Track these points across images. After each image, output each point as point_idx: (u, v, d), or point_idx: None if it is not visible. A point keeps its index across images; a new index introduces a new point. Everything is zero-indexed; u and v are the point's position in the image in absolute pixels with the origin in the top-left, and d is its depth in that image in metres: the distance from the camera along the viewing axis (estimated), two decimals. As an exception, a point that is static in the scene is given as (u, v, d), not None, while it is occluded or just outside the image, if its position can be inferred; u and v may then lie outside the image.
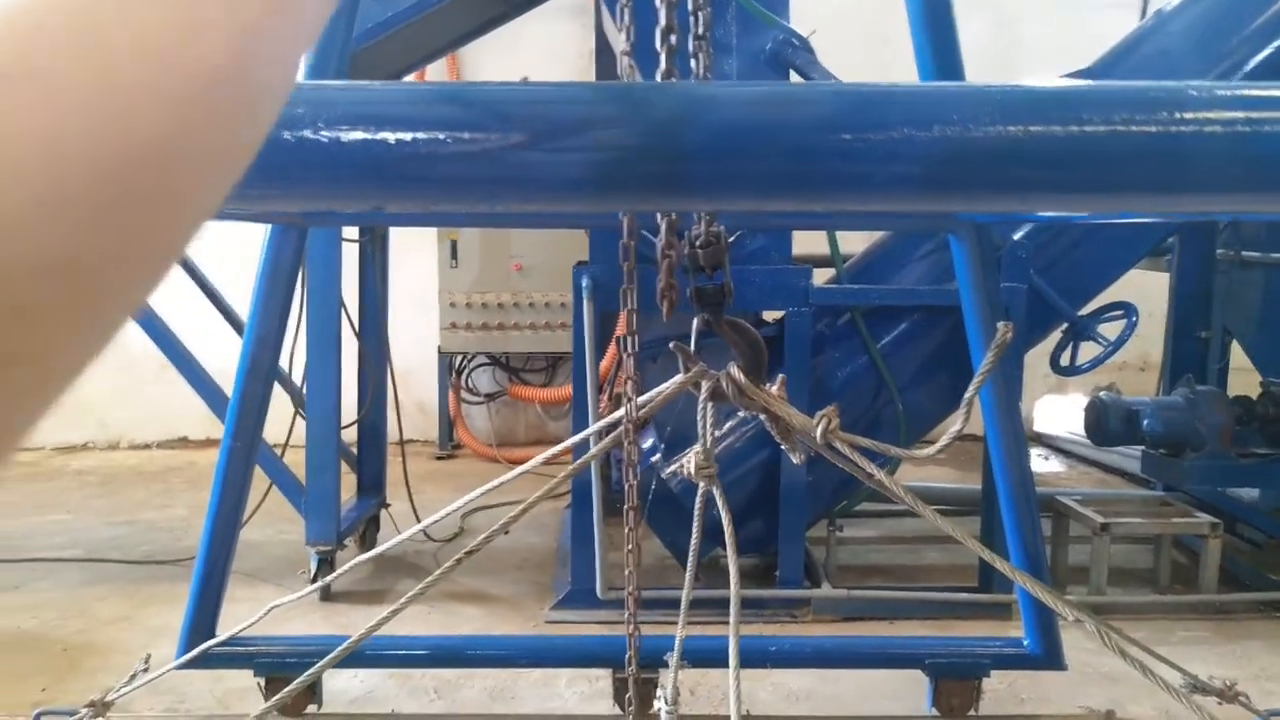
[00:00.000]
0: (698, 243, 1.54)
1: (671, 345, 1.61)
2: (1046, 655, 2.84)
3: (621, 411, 1.71)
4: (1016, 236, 3.94)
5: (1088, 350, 4.08)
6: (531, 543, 4.95)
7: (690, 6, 1.47)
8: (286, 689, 2.34)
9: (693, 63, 1.51)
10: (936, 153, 1.05)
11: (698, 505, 1.65)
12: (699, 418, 1.61)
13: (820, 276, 4.20)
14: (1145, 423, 4.12)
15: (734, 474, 4.01)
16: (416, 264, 6.39)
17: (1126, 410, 4.19)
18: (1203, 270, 4.75)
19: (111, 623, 3.86)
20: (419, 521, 4.03)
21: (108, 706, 2.62)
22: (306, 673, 2.16)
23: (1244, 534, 4.61)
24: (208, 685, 3.17)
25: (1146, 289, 5.20)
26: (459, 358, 7.02)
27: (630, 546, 1.69)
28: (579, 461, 1.79)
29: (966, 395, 1.42)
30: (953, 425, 1.44)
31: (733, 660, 1.50)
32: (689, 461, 1.62)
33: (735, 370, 1.59)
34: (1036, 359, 4.36)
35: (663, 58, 1.31)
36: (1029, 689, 3.12)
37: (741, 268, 3.90)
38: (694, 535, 1.67)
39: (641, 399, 1.66)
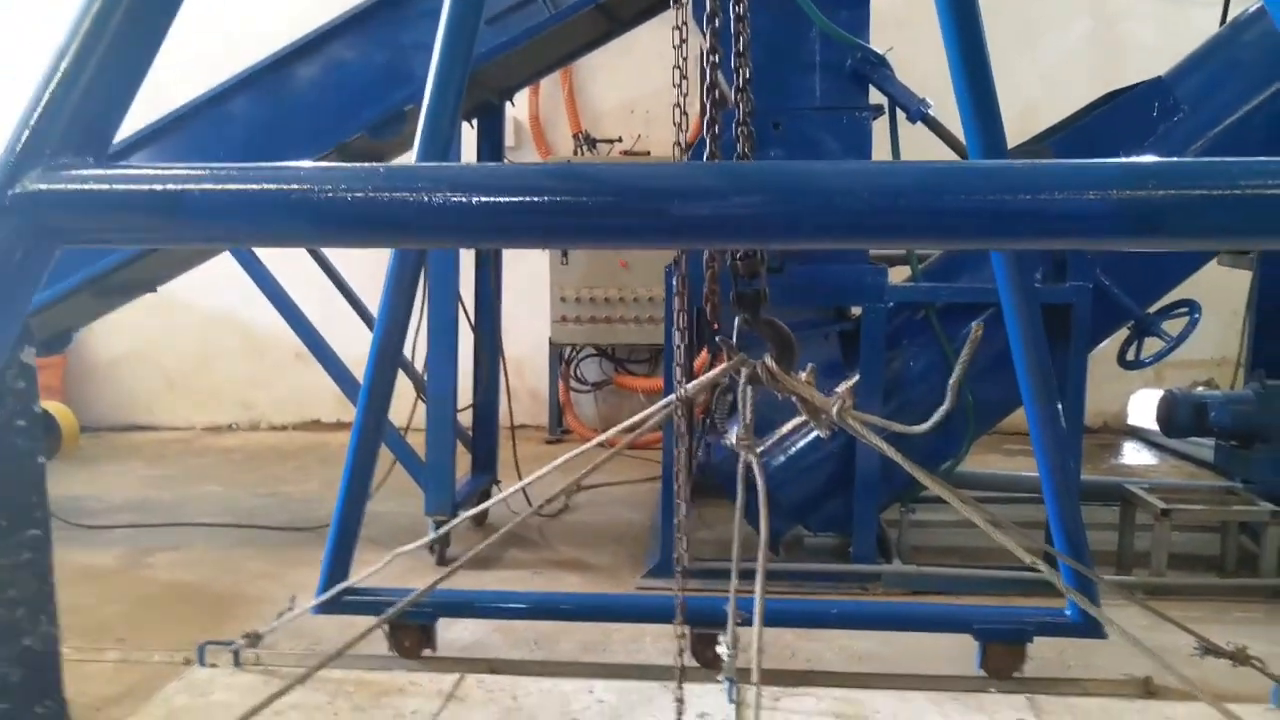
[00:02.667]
0: (739, 256, 1.89)
1: (717, 339, 1.96)
2: (1086, 624, 3.08)
3: (688, 390, 2.07)
4: (1085, 237, 4.11)
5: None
6: (631, 518, 5.36)
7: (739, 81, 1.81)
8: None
9: (738, 145, 1.86)
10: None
11: (740, 474, 1.98)
12: (739, 398, 1.96)
13: (898, 275, 4.48)
14: (1213, 415, 4.24)
15: (813, 458, 4.33)
16: (531, 262, 6.86)
17: (1195, 403, 4.32)
18: (1285, 267, 4.81)
19: (258, 578, 4.41)
20: (528, 498, 4.51)
21: (260, 639, 3.14)
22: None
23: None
24: (338, 631, 3.64)
25: (1236, 286, 5.28)
26: (568, 349, 7.48)
27: (679, 517, 2.04)
28: (629, 436, 2.15)
29: (950, 382, 1.73)
30: (942, 406, 1.75)
31: (758, 614, 1.84)
32: (731, 435, 1.97)
33: (769, 360, 1.94)
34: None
35: (709, 142, 1.65)
36: (1077, 659, 3.33)
37: (821, 266, 4.22)
38: (738, 501, 2.01)
39: (691, 384, 2.02)
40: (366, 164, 1.38)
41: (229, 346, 7.61)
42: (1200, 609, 3.80)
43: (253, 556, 4.70)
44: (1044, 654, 3.25)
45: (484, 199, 1.33)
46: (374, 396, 3.21)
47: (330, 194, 1.34)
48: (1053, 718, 2.66)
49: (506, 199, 1.34)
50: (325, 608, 3.25)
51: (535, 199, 1.33)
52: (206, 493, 5.90)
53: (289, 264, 4.63)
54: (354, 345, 4.47)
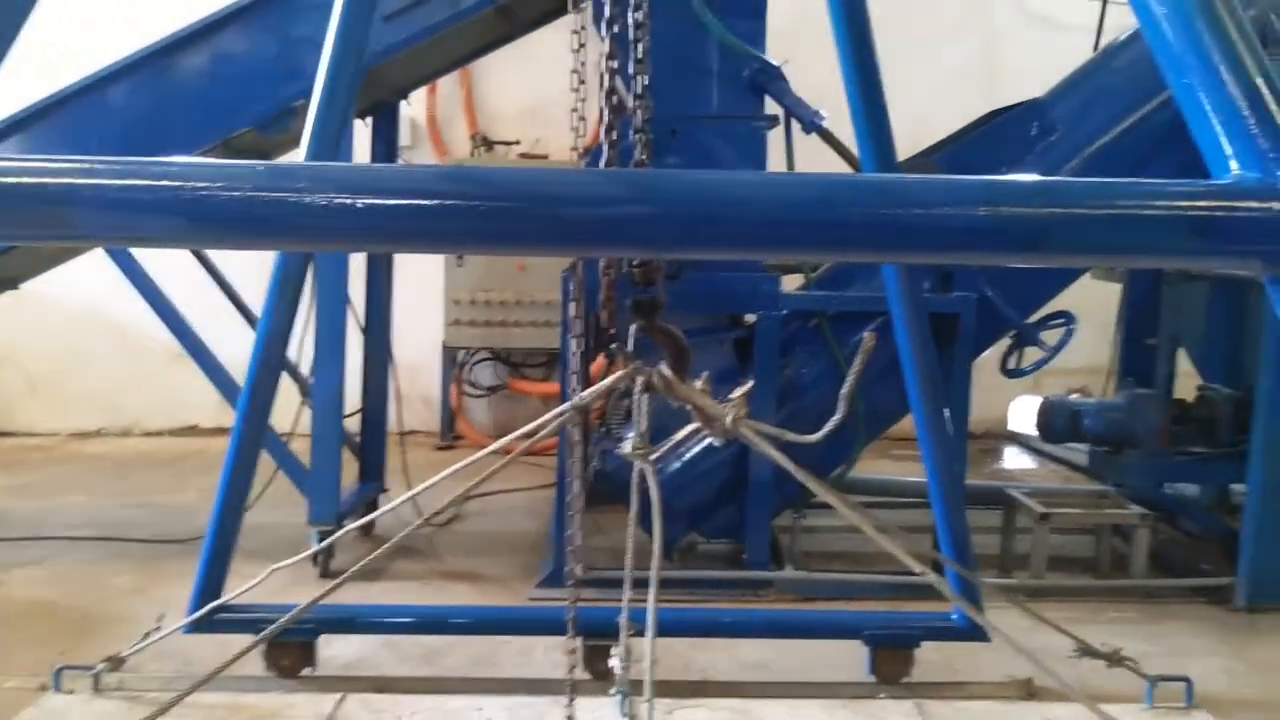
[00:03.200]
0: (635, 263, 1.85)
1: (613, 347, 1.92)
2: (971, 629, 3.15)
3: (586, 398, 2.03)
4: (969, 249, 4.24)
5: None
6: (525, 527, 5.28)
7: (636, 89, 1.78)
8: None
9: (636, 150, 1.83)
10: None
11: (634, 482, 1.95)
12: (634, 407, 1.93)
13: (791, 283, 4.53)
14: (1086, 422, 4.43)
15: (706, 465, 4.33)
16: (425, 263, 6.71)
17: (1071, 410, 4.50)
18: (1152, 282, 5.04)
19: (126, 595, 4.17)
20: (418, 508, 4.37)
21: (122, 662, 2.95)
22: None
23: (1185, 527, 4.93)
24: (213, 650, 3.46)
25: (1108, 299, 5.52)
26: (462, 352, 7.35)
27: (572, 529, 2.00)
28: (523, 444, 2.09)
29: (843, 391, 1.73)
30: (834, 417, 1.75)
31: (650, 625, 1.81)
32: (626, 444, 1.93)
33: (664, 368, 1.91)
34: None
35: (606, 148, 1.62)
36: (963, 661, 3.41)
37: (717, 273, 4.24)
38: (632, 510, 1.97)
39: (586, 391, 1.98)
40: (246, 161, 1.30)
41: (98, 346, 7.21)
42: (1077, 610, 3.95)
43: (120, 571, 4.45)
44: (931, 658, 3.31)
45: (370, 201, 1.27)
46: (255, 401, 3.06)
47: (204, 192, 1.25)
48: (939, 722, 2.71)
49: (394, 201, 1.27)
50: (197, 626, 3.08)
51: (424, 202, 1.26)
52: (70, 503, 5.56)
53: (164, 258, 4.40)
54: (234, 346, 4.28)
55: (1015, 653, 3.35)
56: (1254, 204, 1.22)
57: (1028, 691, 3.17)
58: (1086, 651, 2.68)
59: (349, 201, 1.25)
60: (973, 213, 1.20)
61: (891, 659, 3.22)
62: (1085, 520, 4.45)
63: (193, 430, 7.37)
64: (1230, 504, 4.95)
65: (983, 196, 1.22)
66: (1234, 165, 1.27)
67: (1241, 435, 4.29)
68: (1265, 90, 1.29)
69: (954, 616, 3.21)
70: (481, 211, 1.26)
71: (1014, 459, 7.05)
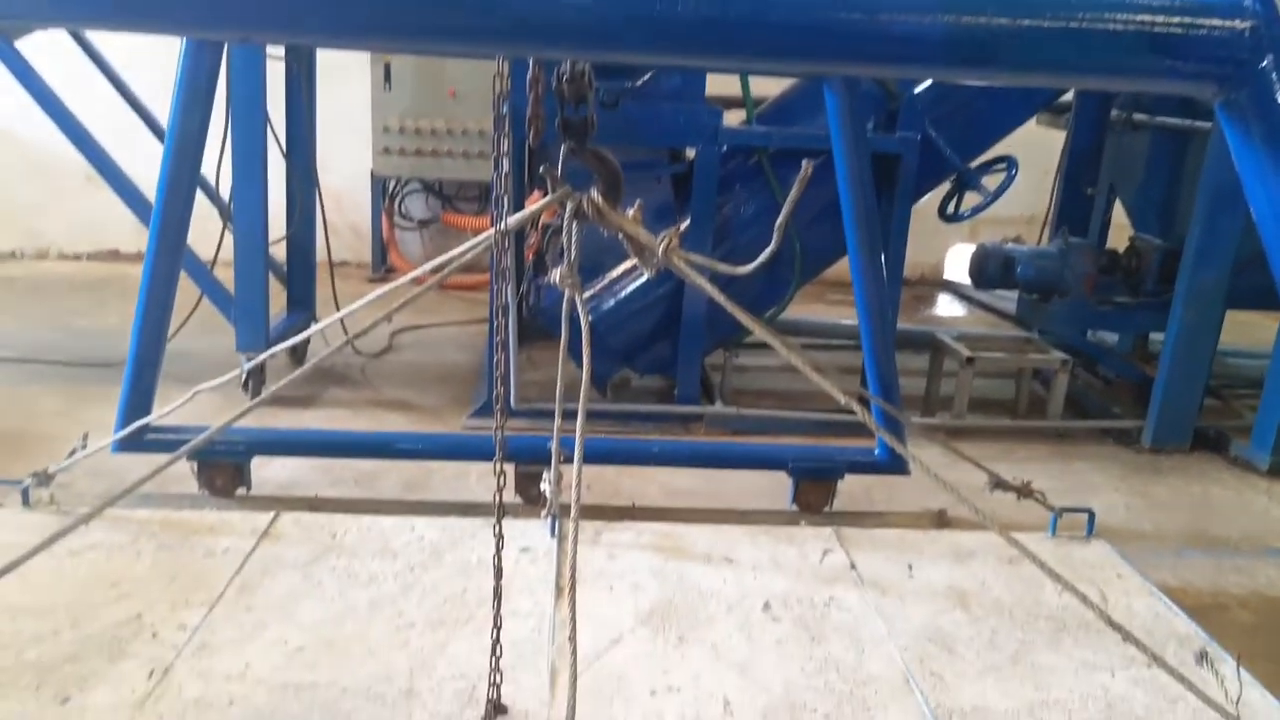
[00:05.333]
0: (565, 79, 1.76)
1: (541, 169, 1.85)
2: (892, 462, 3.26)
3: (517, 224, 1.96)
4: (917, 90, 4.16)
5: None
6: (456, 360, 5.26)
7: None
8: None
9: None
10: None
11: (564, 312, 1.91)
12: (564, 234, 1.87)
13: (733, 119, 4.41)
14: (1019, 269, 4.48)
15: (641, 302, 4.32)
16: (350, 86, 6.38)
17: (1004, 257, 4.55)
18: (1096, 130, 5.03)
19: (52, 416, 4.10)
20: (345, 330, 4.32)
21: (51, 478, 2.91)
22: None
23: (1103, 374, 5.11)
24: (145, 472, 3.45)
25: (1050, 146, 5.51)
26: (393, 183, 7.12)
27: (500, 355, 1.97)
28: (451, 267, 2.03)
29: (778, 221, 1.70)
30: (767, 249, 1.72)
31: (578, 447, 1.80)
32: (556, 273, 1.88)
33: (595, 194, 1.84)
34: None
35: None
36: (882, 495, 3.54)
37: (656, 104, 4.10)
38: (563, 339, 1.94)
39: (513, 217, 1.92)
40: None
41: (7, 166, 6.83)
42: (994, 449, 4.10)
43: (44, 394, 4.36)
44: (852, 491, 3.44)
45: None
46: (168, 220, 2.94)
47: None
48: (856, 547, 2.82)
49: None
50: (124, 445, 3.05)
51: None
52: (-12, 325, 5.40)
53: (70, 72, 4.11)
54: (151, 167, 4.07)
55: (931, 489, 3.49)
56: (1217, 21, 1.17)
57: (941, 521, 3.33)
58: (999, 484, 2.79)
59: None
60: (927, 20, 1.14)
61: (814, 490, 3.33)
62: (1008, 365, 4.58)
63: (113, 255, 7.11)
64: (1148, 353, 5.13)
65: (939, 3, 1.15)
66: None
67: (1166, 286, 4.39)
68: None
69: (877, 452, 3.31)
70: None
71: (946, 306, 7.17)
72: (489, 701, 2.00)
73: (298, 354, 4.74)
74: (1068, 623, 2.51)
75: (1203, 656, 2.36)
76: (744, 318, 1.91)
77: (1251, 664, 2.31)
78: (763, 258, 1.75)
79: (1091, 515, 2.96)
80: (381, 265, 7.21)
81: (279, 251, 4.84)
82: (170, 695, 2.02)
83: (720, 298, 1.88)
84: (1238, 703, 2.11)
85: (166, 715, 1.96)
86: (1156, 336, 4.76)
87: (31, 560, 2.13)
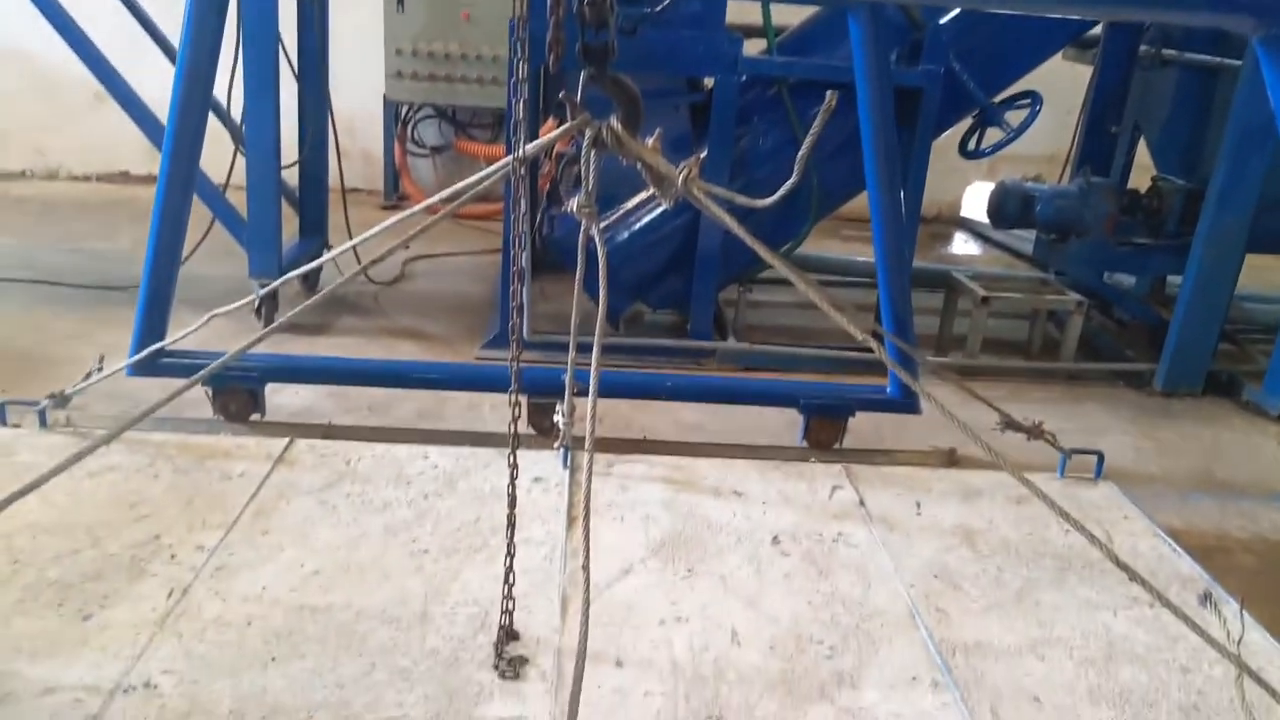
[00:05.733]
0: (585, 2, 1.71)
1: (561, 95, 1.81)
2: (904, 400, 3.26)
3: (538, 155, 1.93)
4: (942, 21, 4.06)
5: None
6: (469, 290, 5.26)
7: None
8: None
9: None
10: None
11: (580, 243, 1.90)
12: (582, 162, 1.85)
13: (753, 48, 4.33)
14: (1038, 208, 4.43)
15: (655, 235, 4.30)
16: (362, 7, 6.28)
17: (1024, 195, 4.49)
18: (1124, 66, 4.92)
19: (67, 339, 4.12)
20: (358, 258, 4.31)
21: (67, 400, 2.93)
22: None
23: (1118, 316, 5.08)
24: (161, 396, 3.47)
25: (1075, 83, 5.40)
26: (405, 108, 7.04)
27: (516, 285, 1.95)
28: (466, 196, 2.01)
29: (800, 154, 1.67)
30: (789, 181, 1.70)
31: (593, 379, 1.80)
32: (572, 202, 1.86)
33: (615, 122, 1.81)
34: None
35: None
36: (891, 435, 3.55)
37: (675, 31, 4.02)
38: (579, 271, 1.93)
39: (531, 144, 1.89)
40: None
41: (16, 85, 6.77)
42: (1005, 389, 4.10)
43: (58, 316, 4.37)
44: (862, 429, 3.44)
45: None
46: (181, 140, 2.91)
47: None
48: (865, 484, 2.84)
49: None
50: (140, 369, 3.06)
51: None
52: (1, 244, 5.39)
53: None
54: (161, 87, 4.02)
55: (940, 430, 3.51)
56: (1258, -46, 1.13)
57: (950, 461, 3.33)
58: (1009, 424, 2.78)
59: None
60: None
61: (824, 427, 3.33)
62: (1023, 305, 4.55)
63: (124, 177, 7.08)
64: (1165, 296, 5.09)
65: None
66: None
67: (1187, 228, 4.34)
68: None
69: (889, 390, 3.31)
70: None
71: (962, 245, 7.12)
72: (501, 627, 2.03)
73: (310, 281, 4.74)
74: (1072, 562, 2.53)
75: (1206, 598, 2.38)
76: (763, 251, 1.90)
77: (1253, 607, 2.33)
78: (784, 190, 1.73)
79: (1100, 457, 2.97)
80: (394, 192, 7.17)
81: (291, 177, 4.80)
82: (190, 614, 2.06)
83: (739, 231, 1.86)
84: (1239, 643, 2.14)
85: (186, 634, 2.00)
86: (1174, 280, 4.72)
87: (51, 480, 2.15)
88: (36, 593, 2.10)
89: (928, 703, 1.97)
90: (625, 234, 4.26)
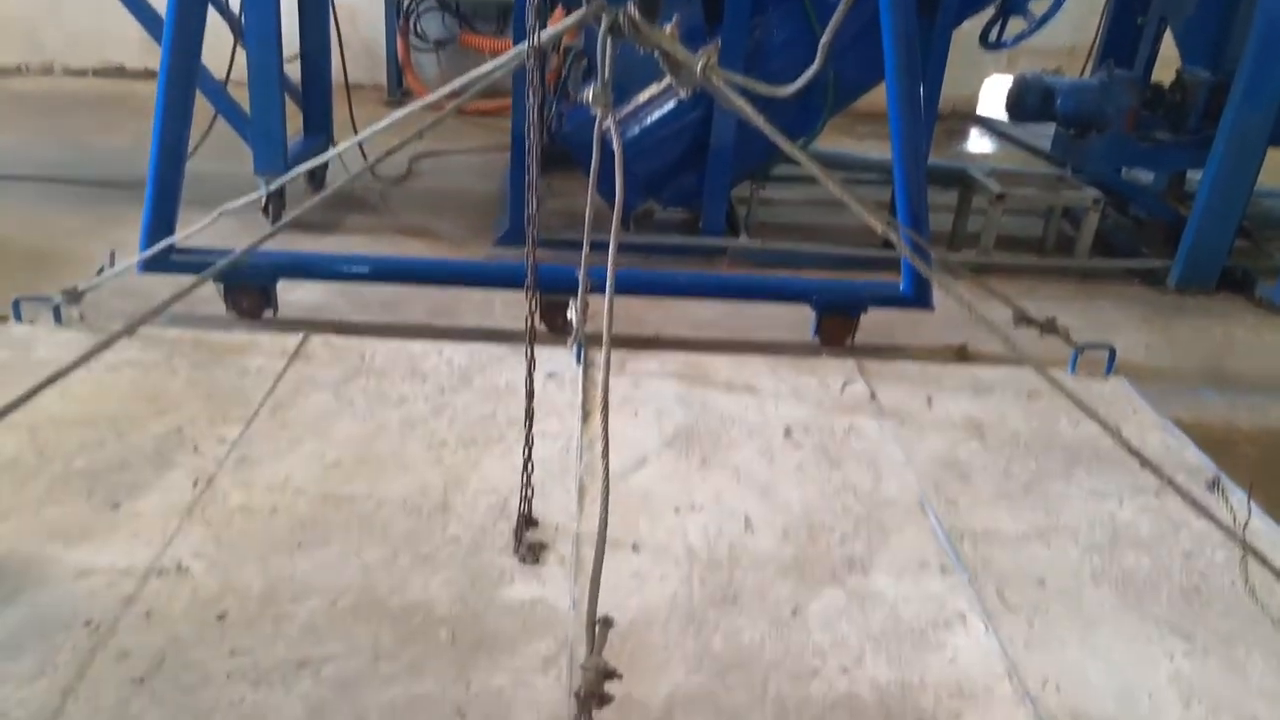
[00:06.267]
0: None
1: (578, -21, 1.76)
2: (917, 297, 3.26)
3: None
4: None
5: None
6: (476, 187, 5.20)
7: None
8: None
9: None
10: None
11: (595, 135, 1.87)
12: (598, 51, 1.80)
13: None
14: (1058, 101, 4.33)
15: (668, 130, 4.22)
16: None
17: (1044, 88, 4.39)
18: (1153, -47, 4.76)
19: (76, 235, 4.10)
20: (364, 154, 4.26)
21: (81, 296, 2.94)
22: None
23: (1134, 214, 5.02)
24: (171, 293, 3.48)
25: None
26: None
27: (530, 176, 1.93)
28: (476, 87, 1.97)
29: (822, 40, 1.63)
30: (810, 68, 1.66)
31: (610, 272, 1.79)
32: (588, 91, 1.83)
33: (632, 8, 1.77)
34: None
35: None
36: (903, 332, 3.54)
37: (690, -83, 3.88)
38: (593, 166, 1.90)
39: (545, 31, 1.85)
40: None
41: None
42: (1018, 286, 4.07)
43: (65, 213, 4.35)
44: (873, 325, 3.44)
45: None
46: (180, 31, 2.85)
47: None
48: (876, 378, 2.86)
49: None
50: (151, 265, 3.06)
51: None
52: (1, 141, 5.33)
53: None
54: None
55: (952, 328, 3.52)
56: None
57: (961, 356, 3.35)
58: (1022, 319, 2.79)
59: None
60: None
61: (836, 324, 3.34)
62: (1039, 202, 4.49)
63: (119, 71, 6.94)
64: (1183, 193, 5.02)
65: None
66: None
67: (1210, 123, 4.25)
68: None
69: (902, 286, 3.30)
70: None
71: (977, 142, 6.99)
72: (520, 515, 2.08)
73: (316, 178, 4.69)
74: (1081, 455, 2.56)
75: (1214, 484, 2.42)
76: (783, 143, 1.87)
77: (1258, 495, 2.36)
78: (806, 76, 1.70)
79: (1112, 352, 2.97)
80: (398, 88, 7.03)
81: (293, 72, 4.70)
82: (216, 503, 2.11)
83: (759, 120, 1.83)
84: (1244, 528, 2.18)
85: (214, 521, 2.05)
86: (1193, 176, 4.64)
87: (71, 374, 2.18)
88: (65, 482, 2.15)
89: (936, 586, 2.02)
90: (636, 129, 4.19)
